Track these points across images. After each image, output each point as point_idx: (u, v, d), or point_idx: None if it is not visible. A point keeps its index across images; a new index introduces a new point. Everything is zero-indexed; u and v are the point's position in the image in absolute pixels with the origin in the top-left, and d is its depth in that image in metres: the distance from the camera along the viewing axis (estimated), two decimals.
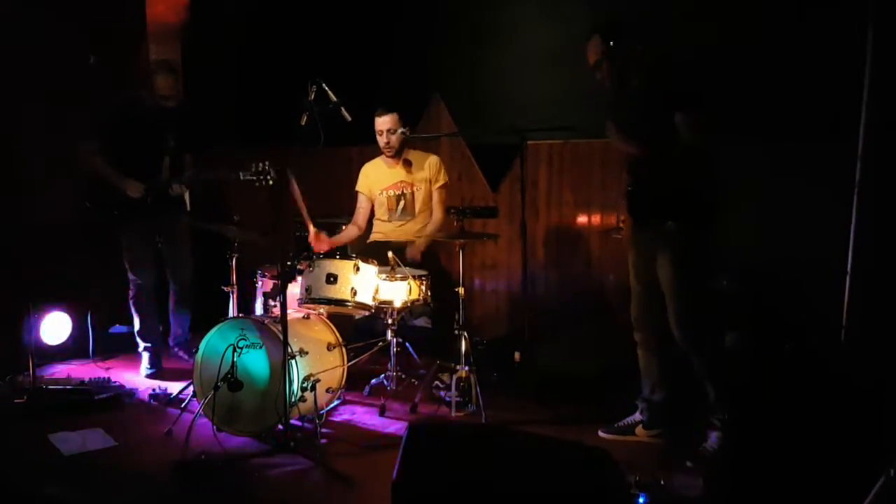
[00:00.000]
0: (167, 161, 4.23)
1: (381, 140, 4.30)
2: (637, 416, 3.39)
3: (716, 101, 3.14)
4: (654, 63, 3.07)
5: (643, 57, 3.08)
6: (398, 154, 4.35)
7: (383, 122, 4.28)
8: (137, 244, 4.31)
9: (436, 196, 4.42)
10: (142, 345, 4.43)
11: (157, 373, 4.37)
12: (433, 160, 4.42)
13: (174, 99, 4.16)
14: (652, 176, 3.07)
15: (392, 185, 4.40)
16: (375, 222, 4.50)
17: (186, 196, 4.56)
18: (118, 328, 4.90)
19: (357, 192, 4.51)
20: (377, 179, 4.44)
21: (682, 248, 3.06)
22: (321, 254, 3.79)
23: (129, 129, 4.18)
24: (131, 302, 4.39)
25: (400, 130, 4.25)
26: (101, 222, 4.26)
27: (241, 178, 3.84)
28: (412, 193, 4.38)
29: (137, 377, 4.32)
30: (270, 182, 3.78)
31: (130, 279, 4.36)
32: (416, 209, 4.39)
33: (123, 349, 4.74)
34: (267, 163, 3.79)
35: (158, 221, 4.31)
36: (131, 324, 4.58)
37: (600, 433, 3.40)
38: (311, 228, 4.26)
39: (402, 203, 4.39)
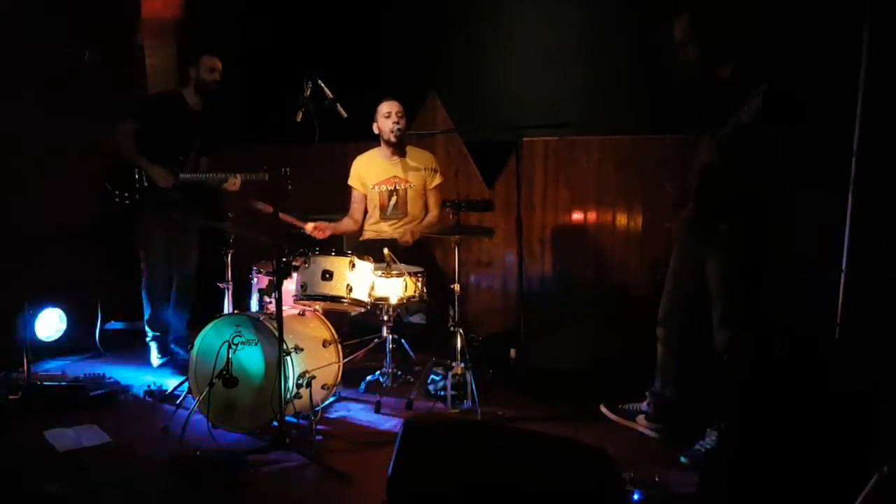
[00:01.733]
0: (193, 157, 4.29)
1: (389, 123, 4.25)
2: (643, 406, 3.39)
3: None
4: (756, 65, 3.00)
5: (741, 54, 3.01)
6: (399, 144, 4.33)
7: (392, 105, 4.27)
8: (156, 234, 4.32)
9: (431, 197, 4.41)
10: (150, 334, 4.43)
11: (169, 360, 4.38)
12: (430, 159, 4.41)
13: (219, 74, 4.25)
14: (721, 176, 3.02)
15: (385, 179, 4.38)
16: (367, 222, 4.49)
17: None
18: (114, 324, 4.89)
19: (350, 186, 4.50)
20: (370, 173, 4.41)
21: (733, 252, 3.03)
22: (318, 249, 3.77)
23: (164, 123, 4.22)
24: (144, 292, 4.39)
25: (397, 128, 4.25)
26: (119, 210, 4.24)
27: (267, 178, 3.85)
28: (405, 190, 4.36)
29: (135, 372, 4.30)
30: (289, 187, 3.74)
31: (144, 268, 4.37)
32: (409, 207, 4.38)
33: (120, 345, 4.73)
34: (288, 169, 3.73)
35: (176, 215, 4.31)
36: (128, 320, 4.57)
37: (602, 407, 3.41)
38: (306, 225, 4.26)
39: (394, 199, 4.37)
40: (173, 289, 4.50)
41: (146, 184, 4.17)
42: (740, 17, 3.17)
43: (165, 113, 4.26)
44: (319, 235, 4.26)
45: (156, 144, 4.19)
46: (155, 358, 4.42)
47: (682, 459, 3.02)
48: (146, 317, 4.42)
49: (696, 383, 3.27)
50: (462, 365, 3.67)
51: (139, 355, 4.54)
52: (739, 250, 3.02)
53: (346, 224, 4.50)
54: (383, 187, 4.38)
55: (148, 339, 4.44)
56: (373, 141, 4.43)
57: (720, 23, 3.07)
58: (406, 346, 4.07)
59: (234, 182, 4.19)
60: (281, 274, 3.30)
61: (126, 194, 4.15)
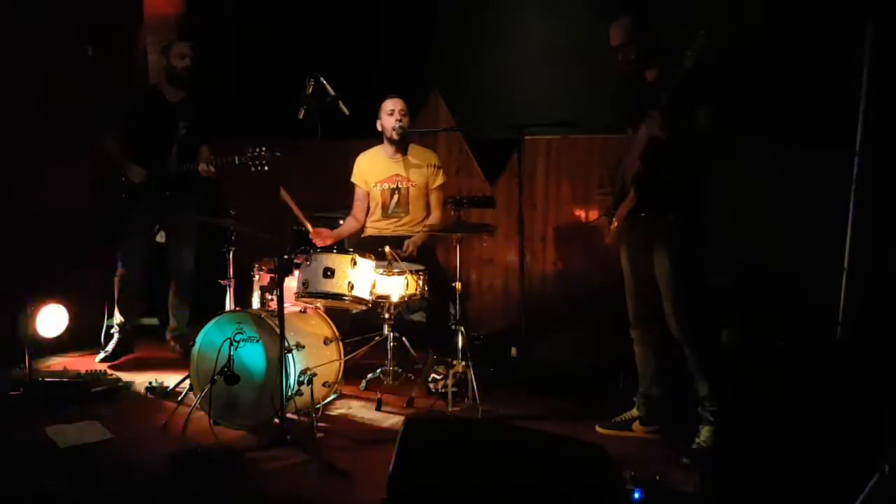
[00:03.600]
0: (175, 149, 4.26)
1: (391, 120, 4.25)
2: (634, 412, 3.39)
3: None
4: (685, 58, 3.01)
5: (671, 51, 3.04)
6: (402, 142, 4.33)
7: (396, 102, 4.28)
8: (133, 233, 4.34)
9: (434, 197, 4.41)
10: (115, 329, 4.45)
11: (108, 358, 4.37)
12: (432, 158, 4.41)
13: (191, 62, 4.24)
14: (662, 166, 3.05)
15: (388, 178, 4.38)
16: (369, 219, 4.49)
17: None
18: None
19: (353, 184, 4.50)
20: (373, 171, 4.41)
21: (680, 241, 3.07)
22: (319, 248, 3.78)
23: (143, 117, 4.24)
24: (116, 282, 4.41)
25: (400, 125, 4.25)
26: (107, 209, 4.26)
27: (237, 162, 3.87)
28: (407, 189, 4.36)
29: (136, 369, 4.30)
30: (265, 168, 3.80)
31: (119, 267, 4.39)
32: (410, 205, 4.38)
33: None
34: (264, 148, 3.78)
35: (165, 212, 4.33)
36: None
37: (597, 428, 3.41)
38: (310, 227, 4.26)
39: (396, 197, 4.37)
40: (172, 288, 4.51)
41: (130, 185, 4.20)
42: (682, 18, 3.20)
43: (143, 110, 4.26)
44: (319, 243, 4.24)
45: (138, 142, 4.21)
46: (103, 350, 4.44)
47: (684, 460, 3.01)
48: (115, 308, 4.44)
49: (680, 378, 3.27)
50: (463, 363, 3.67)
51: (140, 352, 4.56)
52: (683, 239, 3.06)
53: (350, 225, 4.50)
54: (385, 185, 4.37)
55: (112, 329, 4.47)
56: (375, 138, 4.43)
57: (659, 26, 3.12)
58: (407, 343, 4.07)
59: (208, 169, 4.18)
60: (283, 271, 3.30)
61: (122, 195, 4.18)
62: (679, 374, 3.26)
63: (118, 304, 4.44)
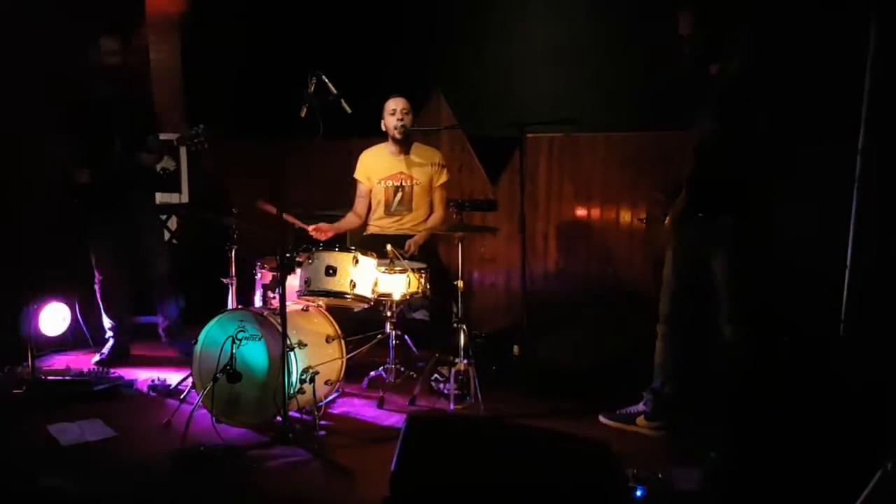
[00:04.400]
0: (118, 143, 4.18)
1: (393, 120, 4.26)
2: (640, 407, 3.39)
3: None
4: (748, 55, 3.03)
5: (733, 50, 3.05)
6: (405, 141, 4.33)
7: (398, 102, 4.29)
8: (99, 234, 4.32)
9: (437, 195, 4.41)
10: (108, 333, 4.45)
11: (105, 360, 4.35)
12: (436, 156, 4.42)
13: (118, 55, 4.17)
14: (712, 165, 3.04)
15: (391, 175, 4.38)
16: (371, 217, 4.49)
17: (185, 187, 4.57)
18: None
19: (355, 179, 4.50)
20: (376, 168, 4.41)
21: (737, 244, 3.05)
22: (321, 245, 3.78)
23: (82, 115, 4.19)
24: (96, 287, 4.39)
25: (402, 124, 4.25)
26: (67, 213, 4.26)
27: (175, 143, 3.90)
28: (411, 187, 4.36)
29: (138, 367, 4.31)
30: (205, 145, 3.82)
31: (95, 270, 4.37)
32: (414, 203, 4.38)
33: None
34: (202, 126, 3.79)
35: (123, 210, 4.27)
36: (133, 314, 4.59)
37: (601, 418, 3.41)
38: (306, 227, 4.25)
39: (399, 195, 4.37)
40: (155, 286, 4.49)
41: (79, 188, 4.18)
42: (740, 14, 3.18)
43: (76, 113, 4.21)
44: (321, 237, 4.24)
45: (80, 143, 4.18)
46: (98, 354, 4.43)
47: (712, 454, 2.98)
48: (102, 316, 4.43)
49: (696, 378, 3.26)
50: (465, 361, 3.67)
51: (143, 350, 4.57)
52: (746, 243, 3.03)
53: (350, 221, 4.50)
54: (389, 183, 4.37)
55: (105, 335, 4.46)
56: (376, 137, 4.43)
57: (725, 21, 3.09)
58: (409, 342, 4.07)
59: (149, 157, 4.18)
60: (284, 269, 3.30)
61: (74, 200, 4.20)
62: (690, 374, 3.27)
63: (103, 308, 4.42)
